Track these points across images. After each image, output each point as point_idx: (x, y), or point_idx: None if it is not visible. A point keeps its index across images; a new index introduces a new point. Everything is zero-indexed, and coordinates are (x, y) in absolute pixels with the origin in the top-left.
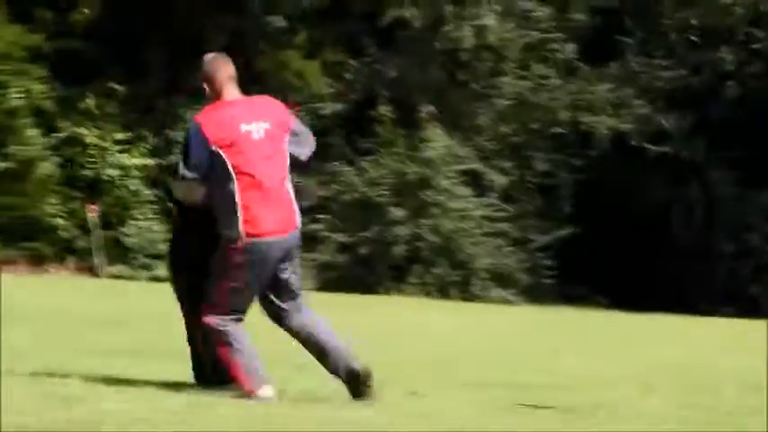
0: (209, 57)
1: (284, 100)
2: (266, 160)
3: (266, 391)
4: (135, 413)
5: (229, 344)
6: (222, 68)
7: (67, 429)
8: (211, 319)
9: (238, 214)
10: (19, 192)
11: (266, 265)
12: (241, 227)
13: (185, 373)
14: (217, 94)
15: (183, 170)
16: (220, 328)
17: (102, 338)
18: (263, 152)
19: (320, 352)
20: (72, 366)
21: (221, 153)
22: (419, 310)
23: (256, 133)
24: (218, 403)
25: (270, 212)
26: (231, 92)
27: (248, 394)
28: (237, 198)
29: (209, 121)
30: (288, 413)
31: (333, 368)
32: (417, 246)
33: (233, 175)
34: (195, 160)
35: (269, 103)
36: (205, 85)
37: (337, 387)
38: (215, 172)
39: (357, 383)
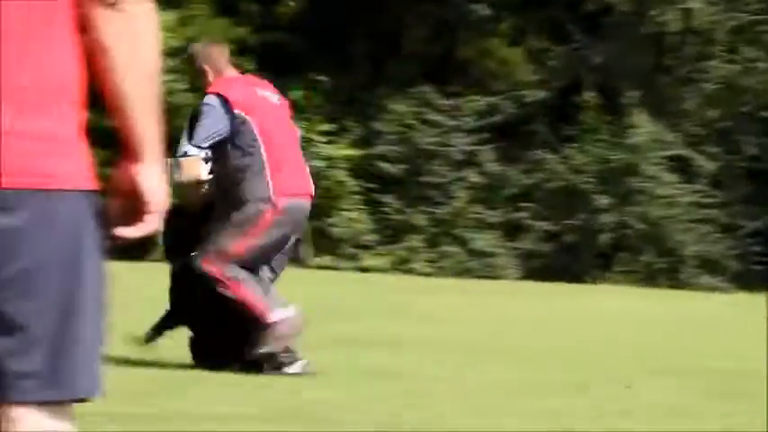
0: (203, 43)
1: (487, 88)
2: (284, 125)
3: (279, 313)
4: (337, 401)
5: (234, 278)
6: (220, 53)
7: (272, 416)
8: (215, 269)
9: (267, 176)
10: None
11: (293, 226)
12: (271, 188)
13: (389, 361)
14: (219, 75)
15: (185, 146)
16: (226, 275)
17: (308, 328)
18: (280, 116)
19: None
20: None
21: (246, 117)
22: (626, 298)
23: (272, 98)
24: (430, 391)
25: (292, 175)
26: (232, 73)
27: (262, 319)
28: (265, 160)
29: (227, 89)
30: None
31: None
32: (624, 233)
33: (259, 137)
34: (213, 132)
35: (266, 81)
36: (207, 68)
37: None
38: (239, 137)
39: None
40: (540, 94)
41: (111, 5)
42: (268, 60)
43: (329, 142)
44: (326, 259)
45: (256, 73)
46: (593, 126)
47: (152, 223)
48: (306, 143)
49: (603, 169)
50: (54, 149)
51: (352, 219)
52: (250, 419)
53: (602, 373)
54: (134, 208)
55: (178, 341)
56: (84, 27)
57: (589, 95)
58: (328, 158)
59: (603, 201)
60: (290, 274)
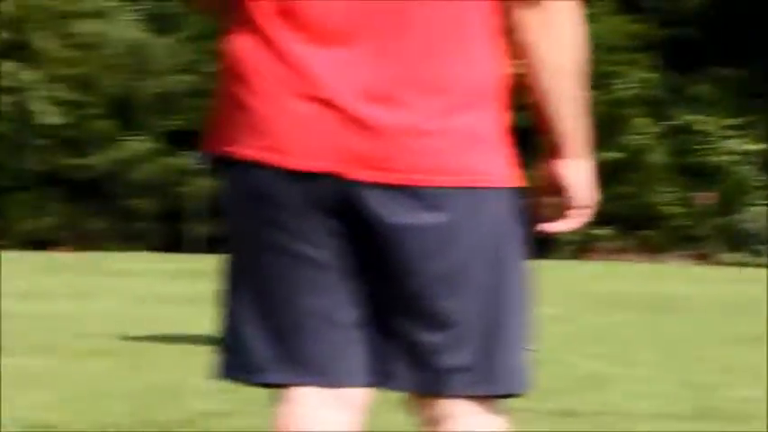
0: None
1: None
2: None
3: None
4: (759, 398)
5: None
6: None
7: (695, 414)
8: None
9: None
10: (631, 181)
11: None
12: None
13: None
14: None
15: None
16: None
17: (716, 325)
18: None
19: None
20: (707, 353)
21: None
22: None
23: None
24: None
25: None
26: None
27: None
28: None
29: None
30: None
31: None
32: None
33: None
34: None
35: None
36: None
37: None
38: None
39: None
40: None
41: (532, 3)
42: (673, 56)
43: (736, 137)
44: (736, 256)
45: (661, 69)
46: None
47: (577, 219)
48: (712, 138)
49: None
50: (479, 147)
51: (760, 214)
52: (670, 418)
53: None
54: (559, 204)
55: (588, 338)
56: (507, 27)
57: None
58: (735, 153)
59: None
60: (698, 271)
